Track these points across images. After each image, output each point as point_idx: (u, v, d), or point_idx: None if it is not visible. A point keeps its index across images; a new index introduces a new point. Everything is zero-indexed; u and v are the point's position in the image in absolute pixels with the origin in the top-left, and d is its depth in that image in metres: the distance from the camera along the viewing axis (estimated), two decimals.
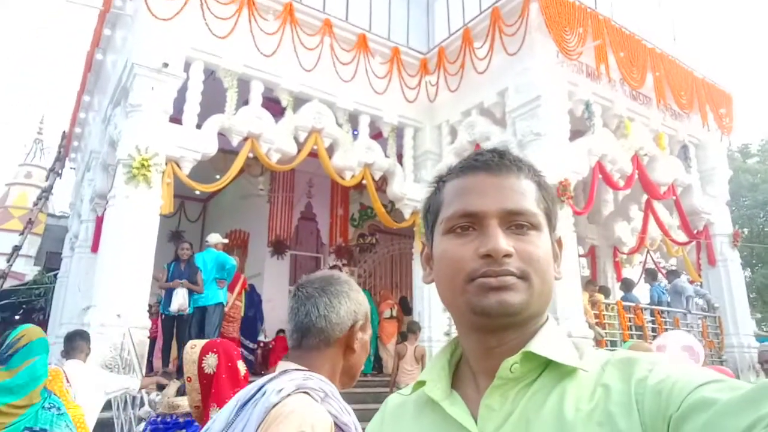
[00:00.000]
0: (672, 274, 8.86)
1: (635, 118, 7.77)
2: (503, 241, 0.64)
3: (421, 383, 0.72)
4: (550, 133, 6.56)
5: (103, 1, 7.10)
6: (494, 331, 0.66)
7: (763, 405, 0.46)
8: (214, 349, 1.77)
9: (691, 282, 10.05)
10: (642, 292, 9.61)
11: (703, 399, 0.51)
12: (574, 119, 7.06)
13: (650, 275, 9.07)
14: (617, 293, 9.17)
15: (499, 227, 0.66)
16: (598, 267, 10.69)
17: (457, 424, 0.65)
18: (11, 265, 12.05)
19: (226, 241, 7.25)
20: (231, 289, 7.32)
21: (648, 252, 11.28)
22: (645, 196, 8.58)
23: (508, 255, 0.64)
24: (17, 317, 13.03)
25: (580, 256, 10.70)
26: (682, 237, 9.07)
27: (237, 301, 7.78)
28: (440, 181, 0.75)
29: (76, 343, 3.65)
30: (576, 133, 7.13)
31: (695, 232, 8.53)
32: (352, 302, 1.22)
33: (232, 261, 6.74)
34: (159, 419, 2.36)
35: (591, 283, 7.71)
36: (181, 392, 2.51)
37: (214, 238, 6.93)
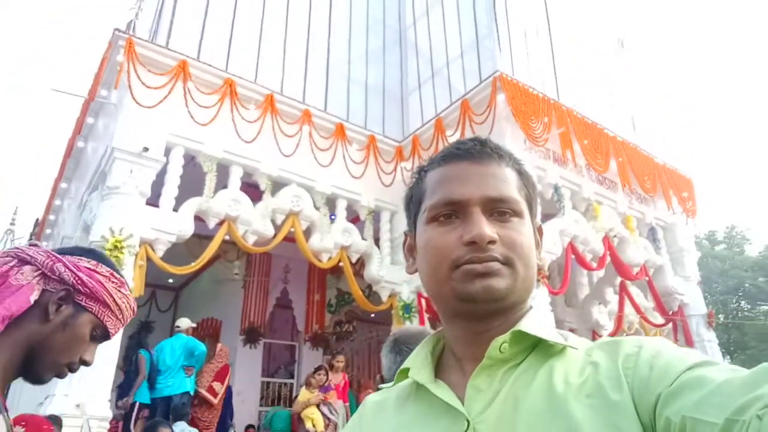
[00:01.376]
0: None
1: (603, 201, 8.07)
2: (487, 228, 0.64)
3: (404, 372, 0.70)
4: None
5: (88, 91, 7.34)
6: (480, 317, 0.66)
7: (761, 386, 0.45)
8: (23, 423, 1.58)
9: None
10: None
11: (698, 377, 0.50)
12: (544, 202, 7.30)
13: None
14: None
15: (483, 214, 0.66)
16: None
17: (444, 407, 0.63)
18: None
19: (194, 325, 6.98)
20: (221, 378, 6.90)
21: (626, 335, 11.23)
22: (619, 279, 8.71)
23: (492, 241, 0.64)
24: None
25: None
26: (658, 319, 9.11)
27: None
28: (422, 171, 0.76)
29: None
30: (547, 216, 7.35)
31: (670, 312, 8.59)
32: None
33: (202, 347, 6.45)
34: None
35: None
36: None
37: (185, 322, 6.69)
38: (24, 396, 7.88)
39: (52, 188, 9.93)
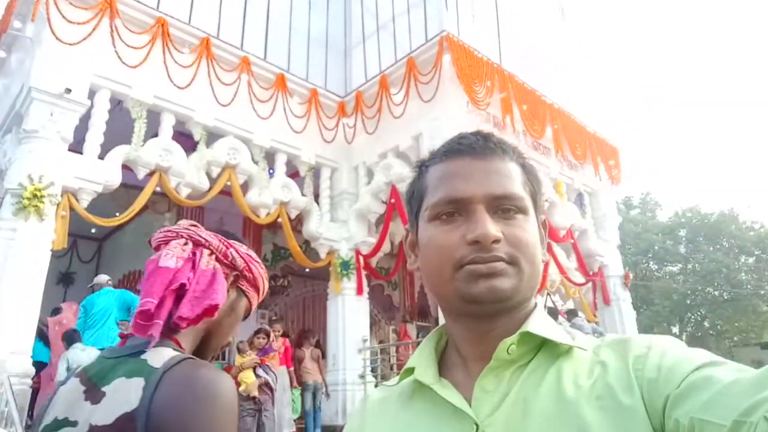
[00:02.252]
0: (570, 314, 9.40)
1: (536, 166, 8.30)
2: (492, 227, 0.62)
3: (409, 371, 0.69)
4: None
5: (0, 20, 6.59)
6: (485, 317, 0.64)
7: None
8: None
9: (588, 321, 10.70)
10: None
11: (705, 378, 0.50)
12: None
13: (552, 314, 9.56)
14: None
15: (487, 212, 0.64)
16: None
17: (450, 408, 0.62)
18: None
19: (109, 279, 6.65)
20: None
21: (548, 294, 11.94)
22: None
23: (496, 241, 0.62)
24: None
25: None
26: (579, 278, 9.71)
27: None
28: (423, 166, 0.73)
29: None
30: None
31: (591, 273, 9.17)
32: None
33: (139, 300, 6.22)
34: None
35: None
36: None
37: (103, 278, 6.35)
38: None
39: None
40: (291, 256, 8.69)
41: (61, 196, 5.57)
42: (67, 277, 11.96)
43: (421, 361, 0.68)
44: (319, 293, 10.25)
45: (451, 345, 0.71)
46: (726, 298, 24.37)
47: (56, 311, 6.51)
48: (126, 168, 6.28)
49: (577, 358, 0.61)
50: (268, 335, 5.93)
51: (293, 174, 7.87)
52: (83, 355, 4.85)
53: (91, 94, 6.09)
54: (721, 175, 62.68)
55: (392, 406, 0.70)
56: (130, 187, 7.15)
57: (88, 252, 12.36)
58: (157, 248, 1.00)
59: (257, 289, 1.05)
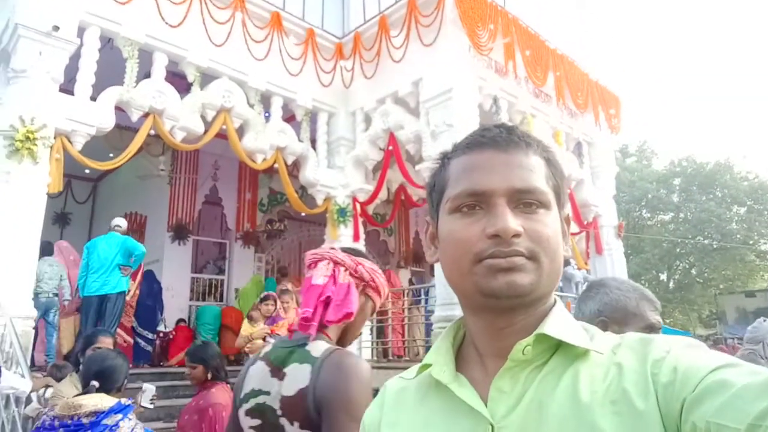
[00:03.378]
0: (564, 263, 9.56)
1: (537, 114, 8.24)
2: (512, 221, 0.62)
3: (426, 366, 0.70)
4: (461, 124, 6.76)
5: None
6: (503, 312, 0.65)
7: None
8: None
9: (579, 269, 10.90)
10: None
11: (720, 381, 0.50)
12: (482, 113, 7.34)
13: None
14: None
15: (508, 206, 0.64)
16: None
17: (466, 408, 0.63)
18: None
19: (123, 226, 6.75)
20: (133, 276, 6.83)
21: None
22: None
23: (517, 235, 0.62)
24: None
25: None
26: (573, 228, 9.81)
27: (137, 289, 7.31)
28: (445, 158, 0.73)
29: None
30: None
31: (585, 223, 9.24)
32: None
33: (142, 248, 6.28)
34: (56, 422, 2.09)
35: None
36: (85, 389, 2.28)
37: (120, 222, 6.47)
38: None
39: None
40: (287, 201, 8.69)
41: (55, 138, 5.47)
42: (63, 217, 11.99)
43: (439, 357, 0.69)
44: (316, 237, 10.34)
45: (468, 339, 0.71)
46: (715, 247, 24.78)
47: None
48: (119, 109, 6.14)
49: (593, 359, 0.62)
50: (276, 302, 5.83)
51: (289, 118, 7.72)
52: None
53: (81, 32, 5.85)
54: (719, 125, 62.19)
55: (409, 400, 0.71)
56: (123, 128, 7.03)
57: (83, 193, 12.32)
58: (309, 266, 1.42)
59: (379, 294, 1.45)
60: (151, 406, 2.90)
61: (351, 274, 1.39)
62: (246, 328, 5.77)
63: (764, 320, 3.65)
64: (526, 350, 0.62)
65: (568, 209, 0.74)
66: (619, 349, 0.61)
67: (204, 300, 10.05)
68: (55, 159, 5.49)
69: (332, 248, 1.45)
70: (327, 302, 1.35)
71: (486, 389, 0.63)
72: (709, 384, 0.51)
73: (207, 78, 6.85)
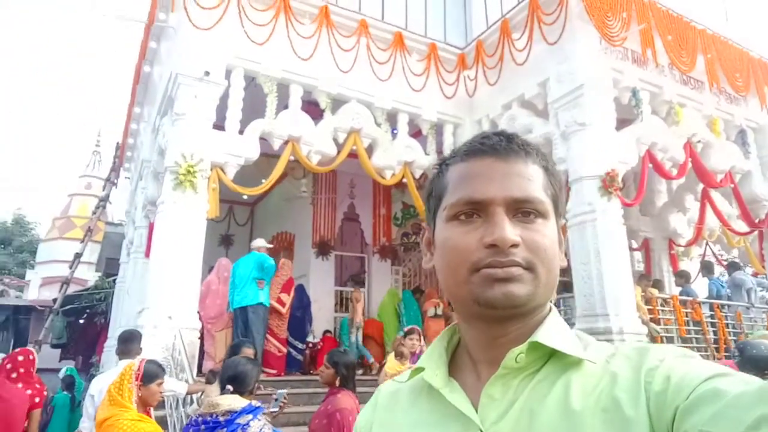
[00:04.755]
0: (732, 267, 8.41)
1: (686, 103, 7.41)
2: (510, 231, 0.62)
3: (419, 370, 0.70)
4: (595, 122, 6.34)
5: (148, 15, 7.38)
6: (498, 321, 0.64)
7: None
8: None
9: (755, 274, 9.51)
10: (701, 286, 9.16)
11: (713, 390, 0.50)
12: (620, 107, 6.81)
13: (706, 268, 8.62)
14: (674, 288, 8.77)
15: (506, 215, 0.63)
16: (653, 261, 10.25)
17: (456, 413, 0.63)
18: (73, 272, 12.70)
19: (269, 245, 7.40)
20: (287, 290, 7.46)
21: (707, 244, 10.75)
22: (701, 186, 8.18)
23: (514, 245, 0.62)
24: (81, 321, 13.73)
25: (632, 249, 10.30)
26: (742, 227, 8.59)
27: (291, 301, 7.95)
28: (444, 164, 0.73)
29: (129, 344, 3.80)
30: (623, 122, 6.87)
31: (756, 221, 8.05)
32: None
33: (271, 261, 6.89)
34: (200, 419, 2.39)
35: (644, 277, 7.41)
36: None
37: (258, 242, 7.13)
38: (125, 306, 8.83)
39: (127, 113, 10.39)
40: (420, 214, 8.84)
41: (211, 170, 6.22)
42: (227, 239, 13.47)
43: (431, 362, 0.70)
44: None
45: (462, 345, 0.72)
46: None
47: (211, 269, 7.47)
48: (263, 139, 6.79)
49: (586, 369, 0.60)
50: (421, 336, 5.53)
51: (416, 133, 7.89)
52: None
53: (228, 74, 6.61)
54: None
55: (402, 402, 0.72)
56: (270, 155, 7.74)
57: (242, 216, 13.76)
58: None
59: None
60: (276, 410, 3.13)
61: None
62: (392, 365, 5.21)
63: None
64: (519, 358, 0.61)
65: (564, 219, 0.71)
66: (614, 358, 0.61)
67: (348, 312, 10.57)
68: (212, 188, 6.24)
69: None
70: None
71: (477, 395, 0.63)
72: (702, 393, 0.50)
73: (337, 103, 7.30)
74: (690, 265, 11.10)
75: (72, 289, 13.37)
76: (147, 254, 7.75)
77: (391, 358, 5.35)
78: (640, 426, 0.52)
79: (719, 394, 0.49)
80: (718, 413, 0.47)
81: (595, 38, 6.60)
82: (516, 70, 7.16)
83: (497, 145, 0.67)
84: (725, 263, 10.21)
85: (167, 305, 5.49)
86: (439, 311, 8.61)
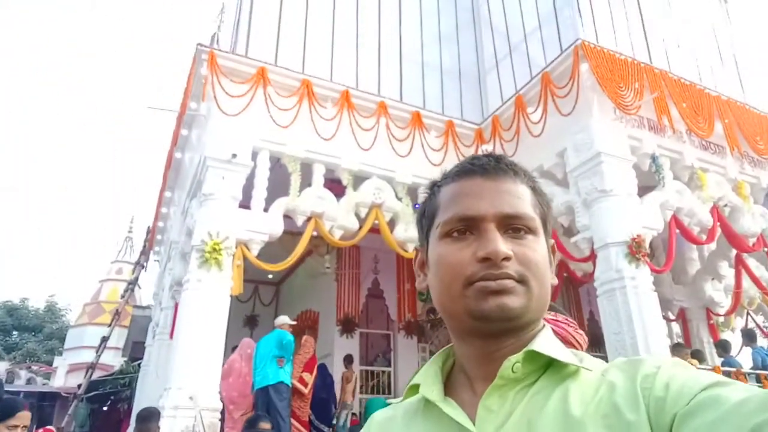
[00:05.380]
0: None
1: (709, 168, 7.39)
2: (502, 245, 0.63)
3: (414, 388, 0.70)
4: (616, 189, 6.33)
5: (180, 105, 7.86)
6: (493, 335, 0.65)
7: None
8: None
9: None
10: (743, 357, 8.63)
11: (714, 397, 0.50)
12: (641, 174, 6.82)
13: (748, 336, 8.16)
14: (716, 359, 8.29)
15: (497, 231, 0.65)
16: (691, 331, 9.78)
17: (455, 427, 0.62)
18: (99, 356, 12.70)
19: (293, 322, 7.31)
20: (309, 369, 7.27)
21: (748, 313, 10.26)
22: (734, 251, 7.95)
23: (507, 258, 0.63)
24: (104, 408, 13.54)
25: (669, 320, 9.90)
26: None
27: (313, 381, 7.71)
28: (435, 186, 0.76)
29: (147, 423, 3.71)
30: (646, 189, 6.84)
31: None
32: None
33: (290, 336, 6.74)
34: None
35: (680, 347, 7.03)
36: None
37: (281, 319, 7.03)
38: (148, 389, 8.71)
39: (158, 197, 10.79)
40: None
41: (236, 247, 6.33)
42: (252, 319, 13.40)
43: (427, 379, 0.69)
44: None
45: (457, 366, 0.71)
46: None
47: (234, 348, 7.36)
48: (287, 217, 6.93)
49: (583, 379, 0.60)
50: None
51: None
52: None
53: (254, 156, 6.89)
54: None
55: (397, 425, 0.71)
56: (293, 233, 7.86)
57: (267, 296, 13.76)
58: None
59: (568, 342, 1.25)
60: None
61: None
62: None
63: None
64: (516, 367, 0.61)
65: (553, 240, 0.74)
66: (609, 371, 0.61)
67: (374, 393, 10.21)
68: (237, 265, 6.32)
69: None
70: None
71: (474, 410, 0.62)
72: (702, 400, 0.50)
73: (358, 179, 7.48)
74: (732, 336, 10.54)
75: (97, 374, 13.31)
76: (171, 335, 7.74)
77: None
78: (641, 430, 0.52)
79: (719, 402, 0.49)
80: (719, 420, 0.47)
81: (609, 108, 6.74)
82: (533, 142, 7.29)
83: (486, 165, 0.69)
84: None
85: (189, 385, 5.40)
86: None
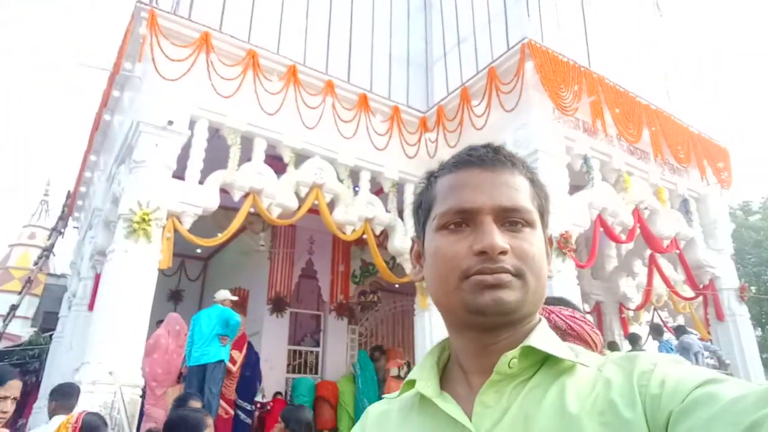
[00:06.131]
0: (679, 330, 8.65)
1: (634, 172, 7.84)
2: (499, 238, 0.63)
3: (410, 384, 0.69)
4: (549, 186, 6.52)
5: (113, 64, 7.36)
6: (489, 329, 0.64)
7: None
8: None
9: (701, 339, 9.79)
10: (651, 349, 9.34)
11: (709, 394, 0.50)
12: (573, 173, 7.13)
13: (656, 331, 8.85)
14: (625, 350, 8.90)
15: (494, 224, 0.64)
16: (605, 323, 10.48)
17: (451, 423, 0.61)
18: (6, 326, 11.83)
19: (234, 298, 7.14)
20: (239, 347, 7.12)
21: (655, 309, 11.08)
22: (648, 251, 8.52)
23: (503, 252, 0.62)
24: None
25: (585, 312, 10.51)
26: (688, 292, 8.93)
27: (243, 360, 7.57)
28: (432, 177, 0.75)
29: (69, 398, 3.48)
30: (576, 188, 7.18)
31: (701, 286, 8.40)
32: None
33: (237, 317, 6.59)
34: None
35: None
36: None
37: (222, 294, 6.85)
38: (61, 362, 8.24)
39: (82, 161, 10.12)
40: (379, 272, 8.79)
41: (166, 219, 6.05)
42: (176, 294, 12.95)
43: (423, 373, 0.68)
44: (408, 308, 10.27)
45: (453, 359, 0.71)
46: None
47: (160, 323, 7.09)
48: (223, 191, 6.71)
49: (580, 375, 0.60)
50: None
51: (377, 191, 7.99)
52: None
53: (191, 125, 6.59)
54: None
55: (393, 420, 0.70)
56: (228, 208, 7.62)
57: (194, 271, 13.32)
58: None
59: (584, 341, 1.25)
60: None
61: None
62: None
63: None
64: (512, 363, 0.61)
65: (550, 231, 0.73)
66: (605, 366, 0.61)
67: (301, 372, 10.19)
68: (167, 238, 6.05)
69: None
70: None
71: (471, 405, 0.62)
72: (698, 397, 0.50)
73: (301, 158, 7.35)
74: (639, 329, 11.36)
75: (3, 344, 12.42)
76: (91, 307, 7.34)
77: None
78: (639, 428, 0.52)
79: (714, 399, 0.49)
80: (714, 417, 0.47)
81: (548, 107, 6.99)
82: (475, 134, 7.44)
83: (484, 156, 0.69)
84: (672, 328, 10.51)
85: (109, 360, 5.14)
86: (402, 373, 8.39)
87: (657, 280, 8.80)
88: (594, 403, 0.56)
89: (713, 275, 8.53)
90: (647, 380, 0.55)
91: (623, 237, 7.62)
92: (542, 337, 0.63)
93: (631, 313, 11.04)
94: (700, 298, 8.71)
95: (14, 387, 1.94)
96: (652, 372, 0.56)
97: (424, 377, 0.68)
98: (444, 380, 0.69)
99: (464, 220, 0.66)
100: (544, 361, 0.63)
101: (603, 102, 7.24)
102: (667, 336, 9.02)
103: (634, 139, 7.47)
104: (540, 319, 0.68)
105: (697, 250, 8.40)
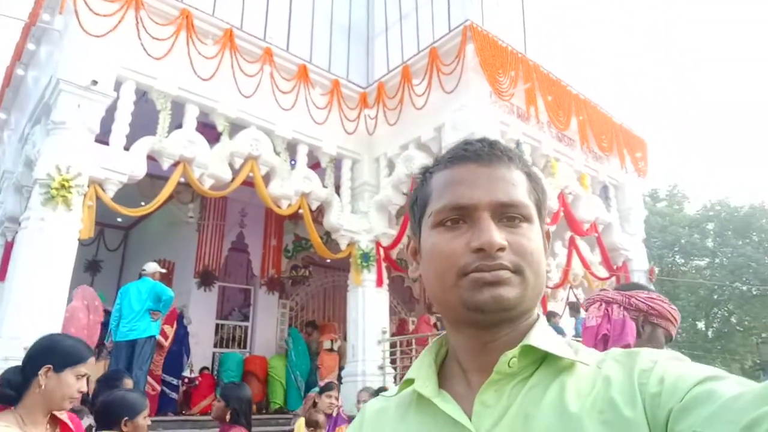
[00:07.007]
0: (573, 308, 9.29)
1: (561, 158, 8.22)
2: (497, 235, 0.62)
3: (409, 382, 0.68)
4: None
5: (29, 14, 6.71)
6: (488, 326, 0.64)
7: None
8: None
9: None
10: (566, 325, 9.98)
11: (708, 392, 0.50)
12: None
13: (573, 308, 9.45)
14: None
15: (491, 220, 0.64)
16: None
17: (450, 422, 0.61)
18: None
19: (163, 270, 6.84)
20: (170, 322, 6.86)
21: (571, 287, 11.79)
22: (568, 233, 9.02)
23: (501, 249, 0.62)
24: None
25: None
26: (602, 272, 9.56)
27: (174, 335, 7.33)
28: (427, 172, 0.73)
29: None
30: None
31: (615, 267, 9.02)
32: None
33: (170, 292, 6.32)
34: None
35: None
36: None
37: (152, 267, 6.53)
38: None
39: None
40: (312, 247, 8.74)
41: (88, 186, 5.67)
42: (94, 264, 12.26)
43: (421, 372, 0.68)
44: (340, 284, 10.31)
45: (451, 355, 0.70)
46: (754, 293, 23.74)
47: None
48: (151, 158, 6.36)
49: (579, 373, 0.61)
50: (338, 393, 4.55)
51: (314, 165, 7.88)
52: None
53: (117, 86, 6.16)
54: (753, 168, 60.86)
55: (390, 418, 0.70)
56: (154, 177, 7.25)
57: (114, 240, 12.63)
58: (586, 308, 1.59)
59: (665, 318, 1.48)
60: None
61: (625, 308, 1.50)
62: (300, 428, 4.24)
63: None
64: (512, 362, 0.61)
65: (548, 226, 0.74)
66: (605, 363, 0.61)
67: (228, 347, 10.02)
68: (88, 206, 5.68)
69: (603, 289, 1.60)
70: (606, 339, 1.47)
71: (470, 404, 0.61)
72: (697, 394, 0.50)
73: (236, 127, 7.08)
74: (556, 306, 12.07)
75: None
76: (2, 278, 6.79)
77: (300, 425, 4.28)
78: (640, 427, 0.52)
79: (714, 396, 0.49)
80: (713, 414, 0.47)
81: (486, 91, 7.13)
82: (414, 114, 7.49)
83: (480, 151, 0.68)
84: (585, 305, 11.25)
85: (24, 335, 4.80)
86: (335, 346, 8.46)
87: (575, 261, 9.35)
88: (594, 402, 0.56)
89: (626, 257, 9.19)
90: (647, 378, 0.55)
91: (548, 220, 7.99)
92: (541, 335, 0.63)
93: (548, 291, 11.67)
94: (613, 278, 9.35)
95: (93, 365, 1.82)
96: (652, 370, 0.56)
97: (422, 376, 0.67)
98: (442, 377, 0.68)
99: (461, 216, 0.65)
100: (543, 359, 0.62)
101: (537, 89, 7.49)
102: (583, 314, 9.66)
103: (563, 126, 7.81)
104: (538, 315, 0.67)
105: (613, 234, 8.99)
